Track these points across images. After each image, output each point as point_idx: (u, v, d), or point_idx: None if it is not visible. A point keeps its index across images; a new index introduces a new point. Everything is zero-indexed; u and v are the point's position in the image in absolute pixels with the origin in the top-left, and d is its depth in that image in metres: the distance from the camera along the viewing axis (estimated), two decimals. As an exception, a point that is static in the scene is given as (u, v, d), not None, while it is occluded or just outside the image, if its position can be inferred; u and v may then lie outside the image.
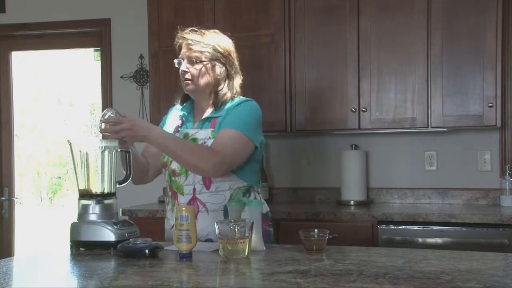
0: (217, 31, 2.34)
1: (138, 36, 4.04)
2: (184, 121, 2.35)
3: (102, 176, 2.04)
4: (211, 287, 1.49)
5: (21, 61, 4.93)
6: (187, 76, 2.26)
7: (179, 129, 2.34)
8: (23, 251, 4.66)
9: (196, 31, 2.29)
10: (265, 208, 2.36)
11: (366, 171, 3.73)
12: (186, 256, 1.82)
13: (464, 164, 3.66)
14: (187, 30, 2.31)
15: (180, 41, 2.30)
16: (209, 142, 2.20)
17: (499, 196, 3.51)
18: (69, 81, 8.41)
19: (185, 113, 2.36)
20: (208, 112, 2.30)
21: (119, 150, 2.10)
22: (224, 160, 2.12)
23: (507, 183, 3.44)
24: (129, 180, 2.16)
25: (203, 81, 2.26)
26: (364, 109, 3.45)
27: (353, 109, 3.47)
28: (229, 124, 2.19)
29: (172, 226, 2.27)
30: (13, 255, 4.14)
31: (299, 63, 3.55)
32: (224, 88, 2.28)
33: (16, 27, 4.33)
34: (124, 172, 2.14)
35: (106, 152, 2.04)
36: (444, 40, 3.34)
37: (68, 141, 2.06)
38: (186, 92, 2.34)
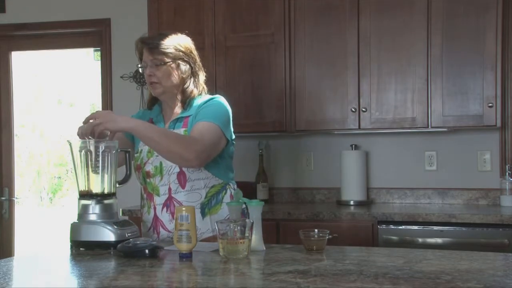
0: (175, 32, 2.35)
1: (138, 36, 4.00)
2: (154, 123, 2.34)
3: (102, 176, 2.04)
4: (211, 287, 1.49)
5: (21, 61, 4.93)
6: (154, 79, 2.27)
7: None
8: (23, 251, 4.65)
9: (155, 34, 2.33)
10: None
11: (366, 171, 3.73)
12: (186, 256, 1.82)
13: (464, 164, 3.66)
14: (144, 35, 2.35)
15: (139, 46, 2.33)
16: None
17: (499, 196, 3.51)
18: (69, 81, 8.41)
19: (153, 116, 2.36)
20: (178, 112, 2.31)
21: (119, 150, 2.10)
22: (205, 148, 2.12)
23: (507, 183, 3.44)
24: (129, 180, 2.16)
25: (169, 81, 2.27)
26: (364, 109, 3.46)
27: (353, 109, 3.47)
28: (202, 118, 2.20)
29: (149, 228, 2.28)
30: (13, 255, 4.14)
31: (299, 63, 3.55)
32: (190, 85, 2.30)
33: (16, 27, 4.33)
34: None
35: (106, 152, 2.04)
36: (444, 40, 3.34)
37: (68, 141, 2.06)
38: (154, 95, 2.33)
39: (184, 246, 1.82)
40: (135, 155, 2.32)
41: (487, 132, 3.59)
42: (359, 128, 3.49)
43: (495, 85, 3.27)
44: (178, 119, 2.28)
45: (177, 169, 2.19)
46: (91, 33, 4.29)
